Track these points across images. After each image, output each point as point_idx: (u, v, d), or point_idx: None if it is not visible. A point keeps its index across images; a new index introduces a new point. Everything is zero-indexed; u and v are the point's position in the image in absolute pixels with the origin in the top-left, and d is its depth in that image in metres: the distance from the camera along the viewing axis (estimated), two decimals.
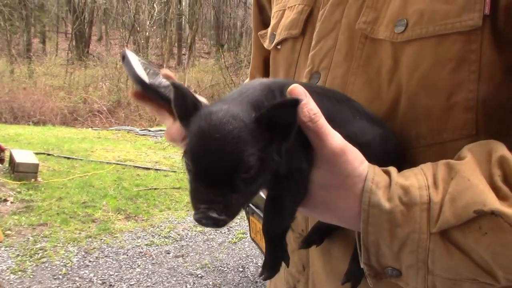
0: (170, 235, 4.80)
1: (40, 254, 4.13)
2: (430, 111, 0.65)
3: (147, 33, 19.02)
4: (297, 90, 0.56)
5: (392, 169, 0.60)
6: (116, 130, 11.11)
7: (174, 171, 7.18)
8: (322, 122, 0.57)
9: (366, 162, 0.60)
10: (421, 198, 0.56)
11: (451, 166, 0.57)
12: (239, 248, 4.55)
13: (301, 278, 0.81)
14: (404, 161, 0.65)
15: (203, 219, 0.52)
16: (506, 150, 0.57)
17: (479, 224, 0.53)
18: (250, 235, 3.39)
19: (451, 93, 0.63)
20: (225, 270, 4.10)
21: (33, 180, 5.85)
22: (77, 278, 3.78)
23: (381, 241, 0.57)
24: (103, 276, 3.86)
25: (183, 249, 4.48)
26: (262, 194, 0.64)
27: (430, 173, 0.58)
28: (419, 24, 0.64)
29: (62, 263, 4.00)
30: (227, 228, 5.01)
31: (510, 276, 0.54)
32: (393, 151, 0.66)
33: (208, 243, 4.65)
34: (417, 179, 0.57)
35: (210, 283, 3.86)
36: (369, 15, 0.71)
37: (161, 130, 10.84)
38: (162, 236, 4.75)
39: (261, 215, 3.00)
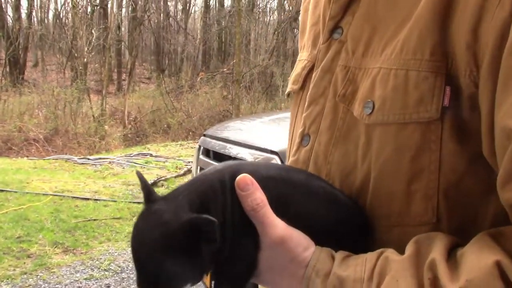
0: (111, 267, 4.69)
1: None
2: (392, 195, 0.66)
3: (85, 59, 18.68)
4: (244, 180, 0.62)
5: (338, 256, 0.63)
6: (53, 159, 10.76)
7: (115, 201, 7.04)
8: (264, 211, 0.62)
9: (311, 248, 0.64)
10: None
11: (388, 261, 0.60)
12: None
13: None
14: (374, 240, 0.68)
15: None
16: (442, 251, 0.57)
17: None
18: None
19: (411, 180, 0.64)
20: None
21: None
22: None
23: None
24: None
25: (124, 282, 4.39)
26: None
27: (370, 265, 0.60)
28: (381, 110, 0.65)
29: None
30: None
31: None
32: (352, 231, 0.68)
33: None
34: (355, 271, 0.60)
35: None
36: (349, 88, 0.72)
37: (100, 158, 10.61)
38: (102, 269, 4.64)
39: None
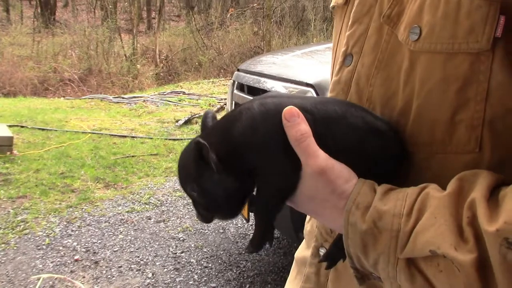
0: (150, 201, 4.87)
1: (22, 226, 4.17)
2: (435, 123, 0.65)
3: None
4: (290, 111, 0.64)
5: (380, 190, 0.63)
6: (89, 98, 10.98)
7: (151, 138, 7.20)
8: (308, 142, 0.64)
9: (353, 180, 0.65)
10: (392, 226, 0.59)
11: (429, 197, 0.59)
12: None
13: (328, 238, 0.83)
14: (413, 166, 0.68)
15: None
16: (484, 191, 0.57)
17: (437, 261, 0.57)
18: None
19: (456, 110, 0.63)
20: (206, 233, 4.21)
21: (8, 153, 5.82)
22: (61, 248, 3.84)
23: (359, 254, 0.63)
24: (86, 244, 3.93)
25: (164, 214, 4.57)
26: None
27: (411, 200, 0.60)
28: (429, 38, 0.63)
29: (44, 234, 4.06)
30: None
31: None
32: (390, 165, 0.69)
33: (188, 207, 4.74)
34: (395, 206, 0.60)
35: (192, 245, 3.97)
36: (395, 9, 0.69)
37: (134, 97, 10.76)
38: (142, 203, 4.82)
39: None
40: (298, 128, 0.64)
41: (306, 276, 0.90)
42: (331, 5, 0.91)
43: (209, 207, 0.69)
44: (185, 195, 5.11)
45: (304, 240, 1.03)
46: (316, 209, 0.67)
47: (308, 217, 1.02)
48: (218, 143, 0.65)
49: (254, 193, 0.69)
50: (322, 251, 0.85)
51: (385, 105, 0.71)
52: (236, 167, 0.66)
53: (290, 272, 1.04)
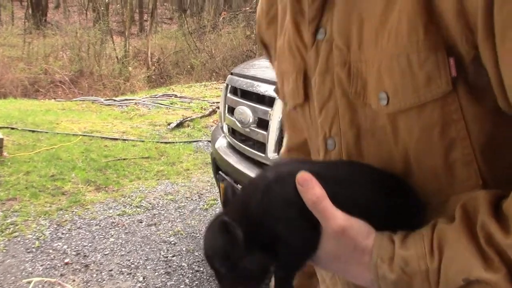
0: (142, 204, 4.85)
1: (11, 229, 4.14)
2: (435, 169, 0.68)
3: (106, 0, 18.51)
4: (303, 177, 0.66)
5: (397, 239, 0.65)
6: (80, 100, 10.91)
7: (142, 141, 7.17)
8: (325, 204, 0.65)
9: (372, 235, 0.66)
10: (420, 267, 0.61)
11: (444, 232, 0.62)
12: (211, 215, 4.65)
13: None
14: (432, 212, 0.69)
15: None
16: (488, 210, 0.60)
17: (472, 287, 0.59)
18: (220, 201, 3.47)
19: (447, 152, 0.66)
20: (198, 236, 4.20)
21: None
22: (51, 251, 3.81)
23: None
24: (77, 247, 3.90)
25: (155, 218, 4.55)
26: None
27: (428, 240, 0.62)
28: (396, 98, 0.66)
29: (34, 237, 4.03)
30: (198, 195, 5.10)
31: None
32: (407, 212, 0.71)
33: (180, 210, 4.73)
34: (416, 249, 0.62)
35: (184, 249, 3.96)
36: (358, 84, 0.72)
37: (126, 100, 10.72)
38: (133, 206, 4.80)
39: (231, 182, 3.07)
40: (313, 192, 0.65)
41: None
42: (290, 107, 0.91)
43: (237, 281, 0.70)
44: (177, 198, 5.13)
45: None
46: (341, 267, 0.69)
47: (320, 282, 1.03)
48: (241, 218, 0.68)
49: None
50: None
51: (386, 167, 0.73)
52: (260, 239, 0.68)
53: None
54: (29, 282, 3.32)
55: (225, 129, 3.52)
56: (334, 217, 0.66)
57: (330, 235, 0.66)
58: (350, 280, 0.74)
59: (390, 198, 0.70)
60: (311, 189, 0.65)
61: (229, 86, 3.53)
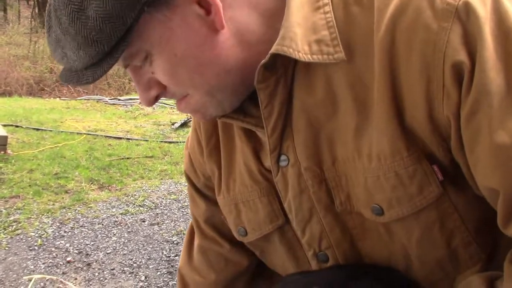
0: (145, 203, 4.84)
1: (14, 226, 4.13)
2: (439, 260, 0.72)
3: None
4: None
5: None
6: (85, 99, 10.94)
7: (146, 140, 7.17)
8: None
9: None
10: None
11: None
12: None
13: None
14: None
15: None
16: None
17: None
18: None
19: (448, 242, 0.71)
20: None
21: (2, 152, 5.77)
22: (53, 249, 3.80)
23: None
24: (79, 245, 3.89)
25: (158, 217, 4.54)
26: None
27: None
28: (392, 209, 0.69)
29: (37, 235, 4.02)
30: None
31: None
32: None
33: (183, 210, 4.71)
34: None
35: None
36: (341, 196, 0.74)
37: (131, 99, 10.73)
38: (136, 205, 4.79)
39: None
40: None
41: None
42: (258, 236, 0.87)
43: None
44: (180, 198, 5.11)
45: None
46: None
47: None
48: None
49: None
50: None
51: (389, 265, 0.75)
52: None
53: None
54: (30, 280, 3.31)
55: None
56: None
57: None
58: None
59: None
60: None
61: None
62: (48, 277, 3.35)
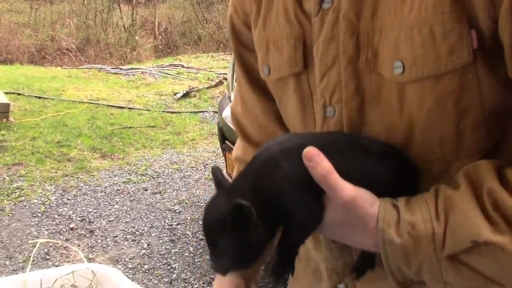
0: (147, 172, 4.86)
1: (17, 193, 4.16)
2: (443, 138, 0.70)
3: None
4: (311, 152, 0.66)
5: (401, 204, 0.68)
6: (86, 68, 10.87)
7: (148, 110, 7.16)
8: (334, 177, 0.66)
9: (377, 202, 0.68)
10: (427, 231, 0.64)
11: (449, 197, 0.65)
12: None
13: (346, 272, 0.86)
14: (433, 180, 0.71)
15: (210, 268, 0.74)
16: (494, 178, 0.64)
17: (478, 249, 0.62)
18: (226, 171, 3.46)
19: (459, 119, 0.68)
20: (202, 205, 4.21)
21: (4, 120, 5.78)
22: (56, 216, 3.84)
23: (401, 266, 0.67)
24: (82, 213, 3.92)
25: (160, 186, 4.56)
26: None
27: (432, 204, 0.65)
28: (414, 67, 0.67)
29: (40, 202, 4.05)
30: (203, 165, 5.10)
31: None
32: (405, 181, 0.73)
33: (185, 179, 4.73)
34: (422, 213, 0.65)
35: (188, 218, 3.97)
36: (368, 52, 0.72)
37: (132, 69, 10.67)
38: (139, 174, 4.81)
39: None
40: (322, 167, 0.66)
41: None
42: (277, 77, 0.89)
43: (239, 258, 0.71)
44: (182, 168, 5.13)
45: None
46: (345, 234, 0.72)
47: None
48: (252, 197, 0.67)
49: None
50: (341, 286, 0.88)
51: (386, 138, 0.74)
52: (268, 214, 0.68)
53: None
54: (34, 245, 3.35)
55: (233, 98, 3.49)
56: (344, 189, 0.67)
57: (339, 206, 0.68)
58: (352, 245, 0.76)
59: (388, 166, 0.73)
60: (320, 164, 0.66)
61: None
62: (52, 241, 3.39)
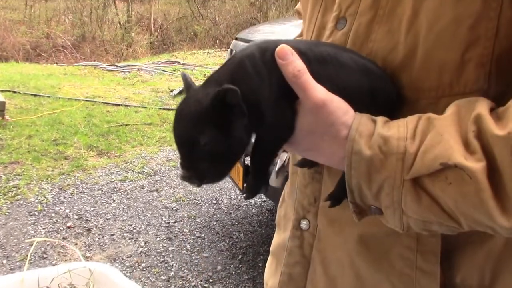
0: (144, 170, 4.85)
1: (14, 192, 4.15)
2: (444, 65, 0.67)
3: None
4: (283, 50, 0.64)
5: (379, 119, 0.65)
6: (82, 66, 10.83)
7: (145, 107, 7.14)
8: (306, 77, 0.64)
9: (351, 112, 0.66)
10: (398, 149, 0.61)
11: (431, 120, 0.62)
12: None
13: (311, 209, 0.86)
14: (408, 109, 0.69)
15: (183, 180, 0.67)
16: (486, 108, 0.60)
17: (445, 174, 0.59)
18: None
19: (467, 48, 0.66)
20: (199, 203, 4.21)
21: (0, 118, 5.75)
22: (53, 214, 3.83)
23: (362, 184, 0.64)
24: (79, 211, 3.92)
25: (157, 184, 4.56)
26: None
27: (412, 125, 0.63)
28: None
29: (37, 200, 4.04)
30: None
31: (470, 223, 0.60)
32: (384, 100, 0.70)
33: None
34: (398, 131, 0.63)
35: (185, 215, 3.97)
36: None
37: (129, 65, 10.63)
38: (135, 172, 4.80)
39: None
40: (294, 65, 0.64)
41: (289, 250, 0.90)
42: None
43: (219, 161, 0.66)
44: (179, 165, 5.08)
45: (277, 229, 1.04)
46: (314, 144, 0.68)
47: (280, 202, 1.05)
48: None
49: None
50: (304, 223, 0.87)
51: (386, 58, 0.72)
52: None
53: (267, 267, 1.05)
54: (31, 244, 3.34)
55: None
56: (315, 90, 0.65)
57: (308, 109, 0.66)
58: (320, 161, 0.72)
59: (371, 83, 0.70)
60: (292, 63, 0.64)
61: (234, 51, 3.48)
62: (49, 240, 3.38)
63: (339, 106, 0.65)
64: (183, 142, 0.66)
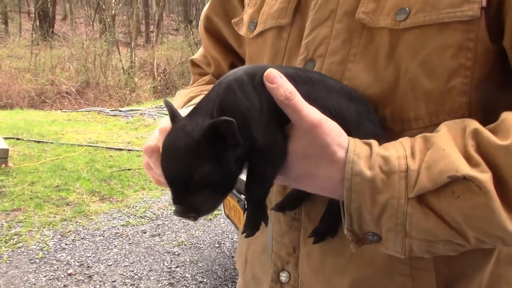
0: (146, 214, 4.84)
1: (15, 239, 4.13)
2: (429, 94, 0.68)
3: (113, 11, 18.63)
4: (272, 73, 0.63)
5: (373, 142, 0.65)
6: (86, 111, 10.97)
7: None
8: (298, 98, 0.63)
9: (344, 134, 0.65)
10: (400, 167, 0.60)
11: (427, 138, 0.63)
12: (215, 225, 4.63)
13: (290, 259, 0.82)
14: (391, 138, 0.68)
15: (178, 215, 0.63)
16: (479, 124, 0.62)
17: (452, 188, 0.58)
18: (224, 211, 3.45)
19: (449, 77, 0.67)
20: (202, 247, 4.18)
21: (3, 165, 5.79)
22: (54, 261, 3.80)
23: (363, 208, 0.62)
24: (80, 258, 3.89)
25: (159, 228, 4.53)
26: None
27: (408, 145, 0.63)
28: (422, 12, 0.67)
29: (38, 247, 4.02)
30: None
31: (480, 235, 0.59)
32: (371, 126, 0.69)
33: (184, 221, 4.70)
34: (396, 150, 0.62)
35: (187, 260, 3.93)
36: (368, 5, 0.72)
37: (132, 110, 10.75)
38: (137, 216, 4.79)
39: (234, 192, 3.06)
40: (284, 88, 0.63)
41: None
42: (261, 29, 0.88)
43: (214, 191, 0.64)
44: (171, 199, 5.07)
45: (240, 279, 1.00)
46: (308, 169, 0.65)
47: (239, 249, 1.01)
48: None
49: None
50: (283, 276, 0.83)
51: (364, 93, 0.72)
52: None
53: None
54: None
55: None
56: (309, 112, 0.63)
57: (303, 131, 0.63)
58: (313, 190, 0.69)
59: (357, 108, 0.69)
60: (282, 85, 0.63)
61: None
62: None
63: (333, 128, 0.64)
64: (176, 178, 0.63)
